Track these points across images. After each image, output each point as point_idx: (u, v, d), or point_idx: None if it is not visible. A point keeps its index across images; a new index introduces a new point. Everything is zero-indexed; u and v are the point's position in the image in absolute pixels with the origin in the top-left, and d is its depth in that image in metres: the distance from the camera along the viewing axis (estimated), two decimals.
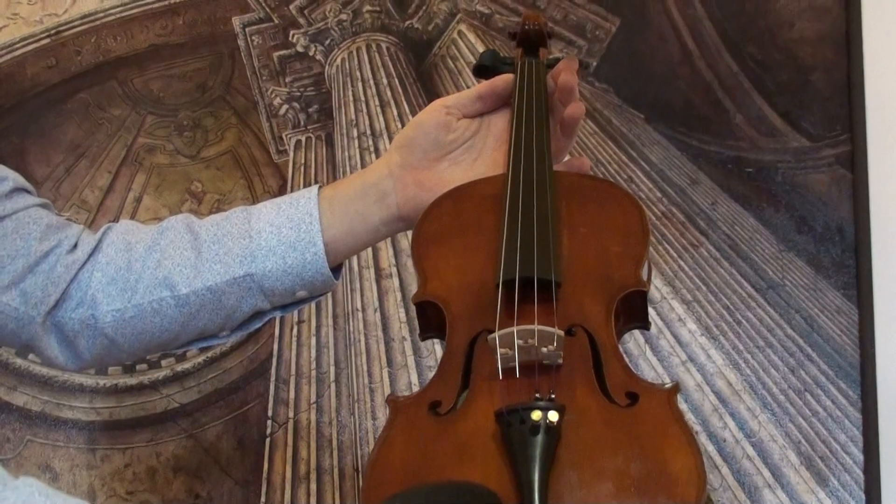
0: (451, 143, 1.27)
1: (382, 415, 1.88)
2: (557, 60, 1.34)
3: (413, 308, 1.89)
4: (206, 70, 2.06)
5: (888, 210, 1.88)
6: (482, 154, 1.28)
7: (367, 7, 2.06)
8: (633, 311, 1.14)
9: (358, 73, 2.04)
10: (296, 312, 1.92)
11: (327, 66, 2.05)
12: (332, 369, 1.91)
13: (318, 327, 1.93)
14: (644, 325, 1.18)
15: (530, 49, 1.38)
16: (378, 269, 1.94)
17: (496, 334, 1.02)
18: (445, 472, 0.95)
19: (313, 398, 1.90)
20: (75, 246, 1.25)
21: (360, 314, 1.93)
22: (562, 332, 1.02)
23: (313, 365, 1.91)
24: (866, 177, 1.89)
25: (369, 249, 1.92)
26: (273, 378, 1.92)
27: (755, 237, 1.91)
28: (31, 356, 1.94)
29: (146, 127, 2.04)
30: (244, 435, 1.90)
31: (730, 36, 1.99)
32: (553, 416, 0.92)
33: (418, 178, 1.25)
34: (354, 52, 2.05)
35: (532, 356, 1.01)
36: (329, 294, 1.93)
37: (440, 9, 2.05)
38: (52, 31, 2.06)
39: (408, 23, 2.06)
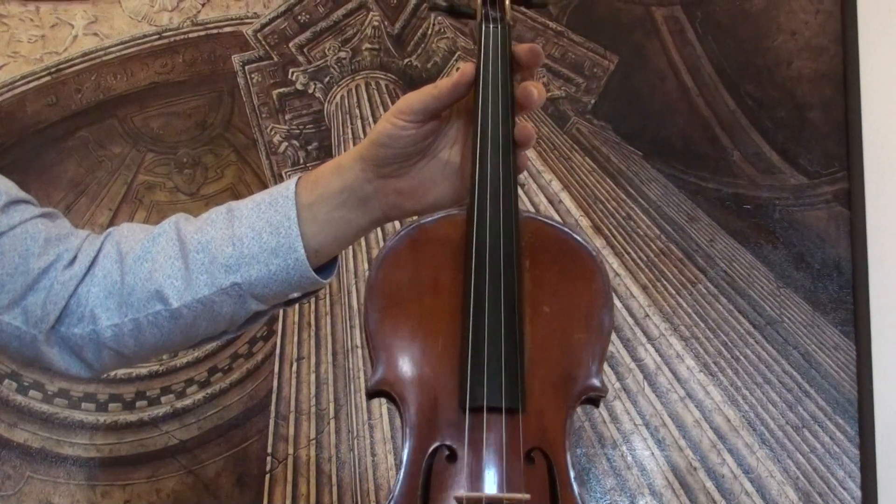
0: (425, 147, 1.21)
1: (382, 451, 1.88)
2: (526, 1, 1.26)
3: None
4: (206, 108, 2.06)
5: (885, 247, 1.89)
6: (457, 139, 1.23)
7: (367, 45, 2.06)
8: (589, 400, 1.16)
9: (357, 111, 2.04)
10: (295, 349, 1.93)
11: (326, 104, 2.05)
12: (332, 406, 1.91)
13: (318, 364, 1.93)
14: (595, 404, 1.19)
15: None
16: None
17: (465, 495, 1.06)
18: None
19: (313, 434, 1.90)
20: (74, 259, 1.22)
21: (359, 351, 1.93)
22: (528, 496, 1.06)
23: (313, 401, 1.91)
24: (864, 214, 1.90)
25: None
26: (273, 414, 1.92)
27: (753, 274, 1.92)
28: (30, 392, 1.94)
29: (146, 164, 2.05)
30: (244, 471, 1.90)
31: (728, 74, 2.00)
32: None
33: (397, 186, 1.21)
34: (353, 90, 2.05)
35: None
36: (329, 331, 1.95)
37: (439, 46, 2.05)
38: (53, 69, 2.07)
39: (407, 60, 2.06)
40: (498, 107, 1.17)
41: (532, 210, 1.91)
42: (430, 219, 1.20)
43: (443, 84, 1.17)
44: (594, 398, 1.15)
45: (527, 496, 1.05)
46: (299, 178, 1.23)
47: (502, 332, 1.10)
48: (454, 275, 1.14)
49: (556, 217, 1.95)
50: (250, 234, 1.19)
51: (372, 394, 1.14)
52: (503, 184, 1.15)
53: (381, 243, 1.95)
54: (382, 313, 1.15)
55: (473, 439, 1.07)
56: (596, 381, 1.13)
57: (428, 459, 1.08)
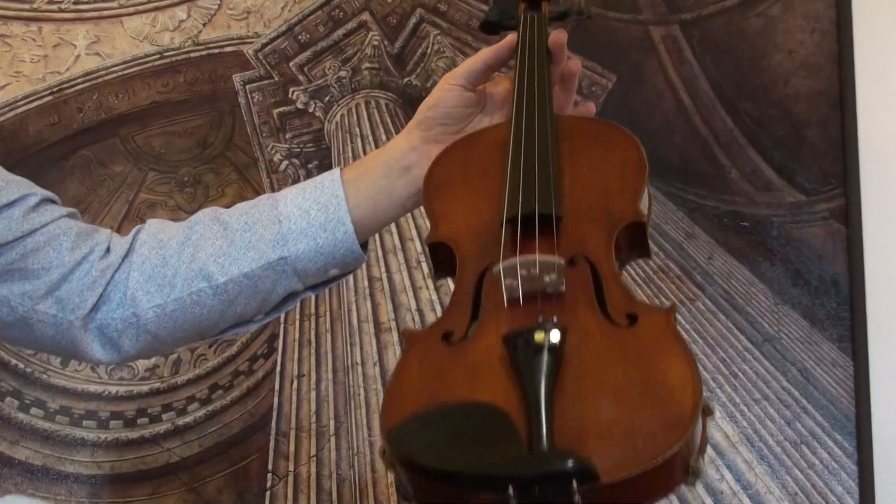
0: (470, 115, 1.31)
1: (382, 467, 1.88)
2: (563, 15, 1.37)
3: None
4: (207, 127, 2.08)
5: (882, 263, 1.89)
6: (494, 115, 1.32)
7: (366, 64, 2.07)
8: (633, 242, 1.15)
9: (357, 130, 2.05)
10: (296, 366, 1.94)
11: (327, 123, 2.06)
12: (332, 422, 1.92)
13: (318, 381, 1.94)
14: (645, 254, 1.19)
15: (533, 2, 1.37)
16: (377, 324, 1.95)
17: (500, 266, 1.07)
18: (458, 394, 0.99)
19: (313, 451, 1.91)
20: (108, 250, 1.28)
21: (359, 368, 1.94)
22: (562, 261, 1.06)
23: (313, 418, 1.92)
24: (860, 230, 1.91)
25: (368, 304, 1.94)
26: (273, 431, 1.93)
27: (751, 291, 1.92)
28: (32, 410, 1.95)
29: (147, 183, 2.06)
30: (244, 489, 1.91)
31: (725, 92, 2.01)
32: (555, 336, 0.96)
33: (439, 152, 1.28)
34: (353, 109, 2.06)
35: (535, 285, 1.05)
36: (329, 348, 1.95)
37: (438, 65, 2.06)
38: (55, 89, 2.08)
39: (406, 79, 2.07)
40: (534, 65, 1.28)
41: None
42: (477, 130, 1.31)
43: (486, 50, 1.30)
44: (639, 243, 1.15)
45: (561, 260, 1.05)
46: (341, 166, 1.32)
47: (536, 150, 1.16)
48: (503, 161, 1.18)
49: None
50: (297, 212, 1.27)
51: (431, 246, 1.18)
52: (539, 95, 1.24)
53: (383, 268, 1.96)
54: (437, 188, 1.22)
55: (511, 242, 1.10)
56: (635, 211, 1.14)
57: (477, 281, 1.10)
